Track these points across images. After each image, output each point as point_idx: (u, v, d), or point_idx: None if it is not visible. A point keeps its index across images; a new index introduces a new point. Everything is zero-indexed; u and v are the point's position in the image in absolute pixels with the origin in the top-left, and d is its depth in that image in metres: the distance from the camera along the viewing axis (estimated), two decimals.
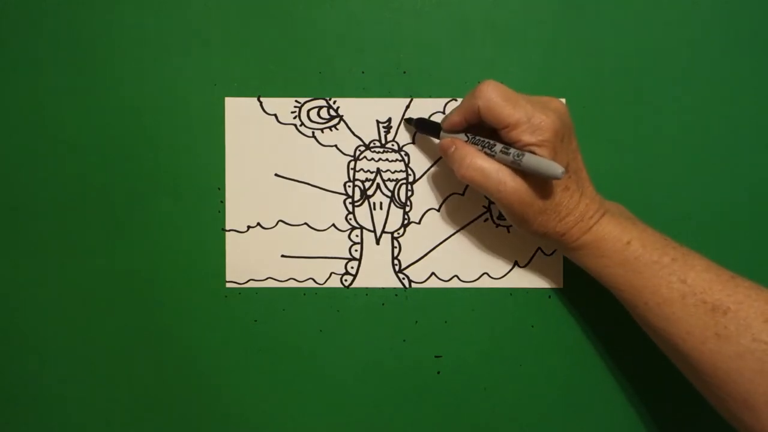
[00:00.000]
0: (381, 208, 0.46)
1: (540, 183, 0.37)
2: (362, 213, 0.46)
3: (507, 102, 0.37)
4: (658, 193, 0.45)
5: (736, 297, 0.35)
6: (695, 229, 0.45)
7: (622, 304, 0.40)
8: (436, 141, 0.42)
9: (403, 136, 0.46)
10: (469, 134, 0.40)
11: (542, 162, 0.35)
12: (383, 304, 0.46)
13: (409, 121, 0.45)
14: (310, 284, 0.46)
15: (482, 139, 0.39)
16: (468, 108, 0.38)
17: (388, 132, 0.46)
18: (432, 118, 0.45)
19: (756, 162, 0.45)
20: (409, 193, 0.46)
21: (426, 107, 0.45)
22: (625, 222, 0.39)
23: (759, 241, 0.46)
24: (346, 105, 0.45)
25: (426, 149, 0.46)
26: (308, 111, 0.45)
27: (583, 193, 0.39)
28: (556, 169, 0.35)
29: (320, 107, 0.45)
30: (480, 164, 0.38)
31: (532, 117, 0.36)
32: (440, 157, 0.46)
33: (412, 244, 0.46)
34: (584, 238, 0.38)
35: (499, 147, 0.37)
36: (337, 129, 0.46)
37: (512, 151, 0.37)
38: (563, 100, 0.43)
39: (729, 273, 0.36)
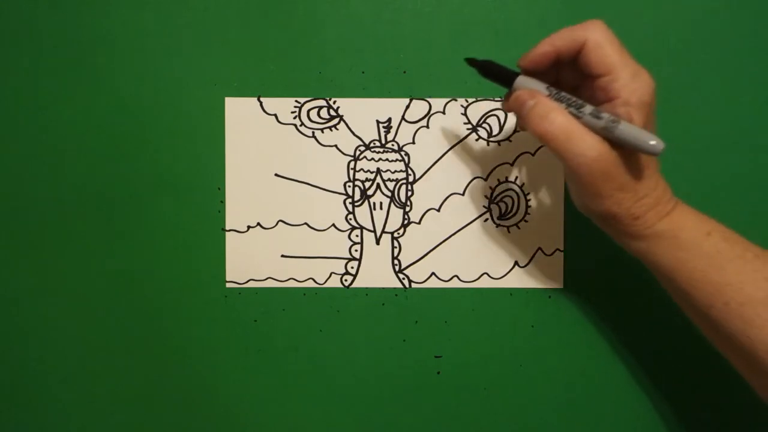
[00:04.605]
0: (381, 208, 0.46)
1: (628, 156, 0.32)
2: (362, 213, 0.46)
3: (617, 46, 0.31)
4: None
5: None
6: None
7: (685, 304, 0.35)
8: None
9: (403, 136, 0.46)
10: (551, 88, 0.33)
11: (641, 133, 0.30)
12: (383, 304, 0.46)
13: (471, 62, 0.37)
14: (310, 284, 0.46)
15: (569, 96, 0.32)
16: (569, 39, 0.32)
17: (388, 132, 0.46)
18: (437, 115, 0.45)
19: (756, 162, 0.45)
20: (409, 193, 0.46)
21: (426, 107, 0.45)
22: (700, 213, 0.34)
23: (759, 242, 0.46)
24: (346, 105, 0.45)
25: (426, 149, 0.46)
26: (308, 111, 0.45)
27: (660, 176, 0.34)
28: (657, 144, 0.29)
29: (320, 107, 0.45)
30: (564, 123, 0.32)
31: (637, 73, 0.31)
32: (440, 157, 0.46)
33: (412, 244, 0.46)
34: (660, 225, 0.33)
35: (588, 108, 0.32)
36: (337, 129, 0.46)
37: (605, 115, 0.31)
38: None
39: None
